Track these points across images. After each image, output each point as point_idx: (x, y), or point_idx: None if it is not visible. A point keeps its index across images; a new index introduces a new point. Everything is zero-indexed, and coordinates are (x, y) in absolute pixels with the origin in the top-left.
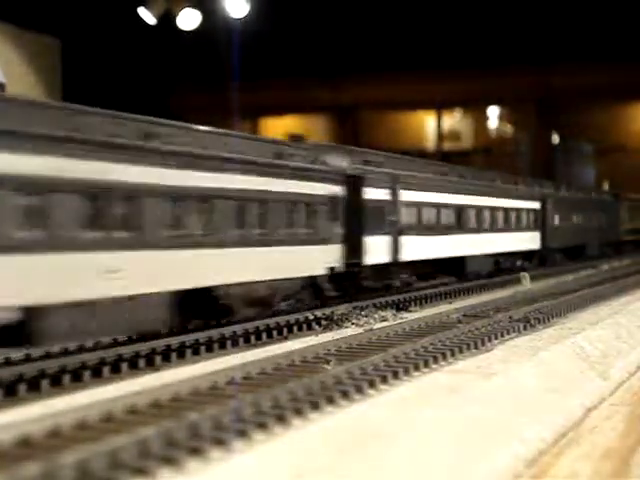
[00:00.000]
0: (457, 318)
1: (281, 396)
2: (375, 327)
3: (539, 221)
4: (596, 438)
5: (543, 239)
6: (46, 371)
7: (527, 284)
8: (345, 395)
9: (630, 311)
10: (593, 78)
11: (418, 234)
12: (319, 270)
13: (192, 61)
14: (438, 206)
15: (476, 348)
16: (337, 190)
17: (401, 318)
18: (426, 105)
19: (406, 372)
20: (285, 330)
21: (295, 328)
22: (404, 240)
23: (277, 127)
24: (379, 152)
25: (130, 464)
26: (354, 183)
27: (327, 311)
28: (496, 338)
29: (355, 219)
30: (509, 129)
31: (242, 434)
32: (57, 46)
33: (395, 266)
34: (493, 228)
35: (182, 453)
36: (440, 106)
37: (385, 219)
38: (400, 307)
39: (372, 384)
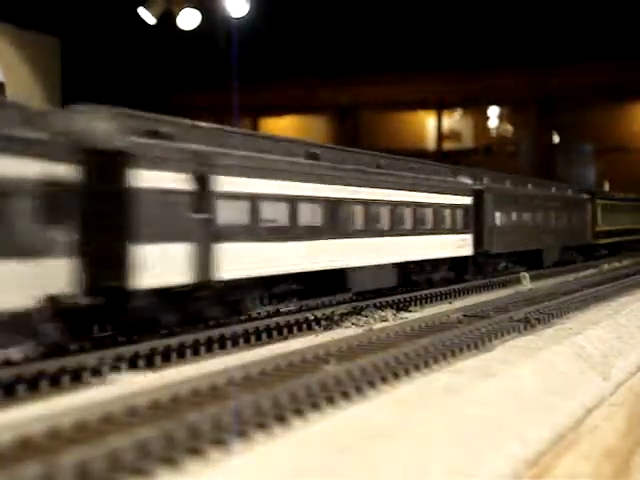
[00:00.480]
0: (457, 318)
1: (281, 396)
2: (375, 327)
3: (471, 221)
4: (596, 438)
5: (478, 243)
6: (45, 371)
7: (527, 284)
8: (345, 395)
9: (630, 311)
10: (593, 78)
11: (253, 240)
12: (22, 301)
13: (192, 61)
14: (293, 200)
15: (476, 348)
16: (61, 171)
17: (401, 318)
18: (426, 105)
19: (406, 372)
20: (285, 330)
21: (295, 328)
22: (225, 249)
23: (277, 127)
24: (177, 119)
25: (129, 465)
26: (111, 163)
27: (327, 311)
28: (496, 338)
29: (111, 218)
30: (509, 129)
31: (242, 434)
32: (57, 46)
33: (208, 288)
34: (395, 230)
35: (181, 454)
36: (440, 106)
37: (183, 218)
38: (400, 307)
39: (372, 384)
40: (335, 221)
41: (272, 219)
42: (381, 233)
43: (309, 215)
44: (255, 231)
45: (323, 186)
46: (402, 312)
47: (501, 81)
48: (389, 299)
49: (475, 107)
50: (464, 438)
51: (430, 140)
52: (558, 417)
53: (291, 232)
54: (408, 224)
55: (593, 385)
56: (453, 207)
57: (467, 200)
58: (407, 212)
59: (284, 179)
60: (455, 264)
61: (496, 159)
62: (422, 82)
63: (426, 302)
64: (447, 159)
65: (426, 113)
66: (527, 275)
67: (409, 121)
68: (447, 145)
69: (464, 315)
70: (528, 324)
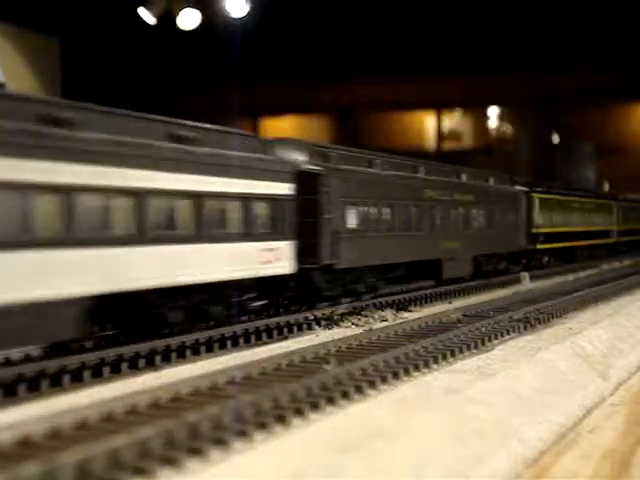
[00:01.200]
0: (457, 318)
1: (281, 396)
2: (375, 327)
3: (290, 220)
4: (596, 438)
5: (308, 253)
6: (46, 371)
7: (527, 284)
8: (345, 395)
9: (630, 311)
10: (593, 78)
11: None
12: None
13: (193, 61)
14: None
15: (476, 348)
16: None
17: (401, 318)
18: (426, 105)
19: (406, 372)
20: (285, 330)
21: (295, 328)
22: None
23: (278, 127)
24: None
25: (130, 464)
26: None
27: (327, 311)
28: (496, 338)
29: None
30: (509, 129)
31: (242, 434)
32: (57, 46)
33: None
34: (86, 237)
35: (182, 453)
36: (440, 106)
37: None
38: (400, 307)
39: (372, 384)
40: None
41: None
42: (35, 244)
43: None
44: None
45: None
46: (402, 312)
47: (501, 81)
48: (389, 299)
49: (475, 107)
50: (464, 438)
51: (430, 140)
52: (558, 417)
53: None
54: (128, 227)
55: (593, 385)
56: (247, 198)
57: (283, 188)
58: (127, 205)
59: None
60: (271, 286)
61: (496, 159)
62: (422, 82)
63: (426, 302)
64: (447, 159)
65: (426, 113)
66: (527, 275)
67: (409, 121)
68: (447, 145)
69: (464, 315)
70: (528, 324)
